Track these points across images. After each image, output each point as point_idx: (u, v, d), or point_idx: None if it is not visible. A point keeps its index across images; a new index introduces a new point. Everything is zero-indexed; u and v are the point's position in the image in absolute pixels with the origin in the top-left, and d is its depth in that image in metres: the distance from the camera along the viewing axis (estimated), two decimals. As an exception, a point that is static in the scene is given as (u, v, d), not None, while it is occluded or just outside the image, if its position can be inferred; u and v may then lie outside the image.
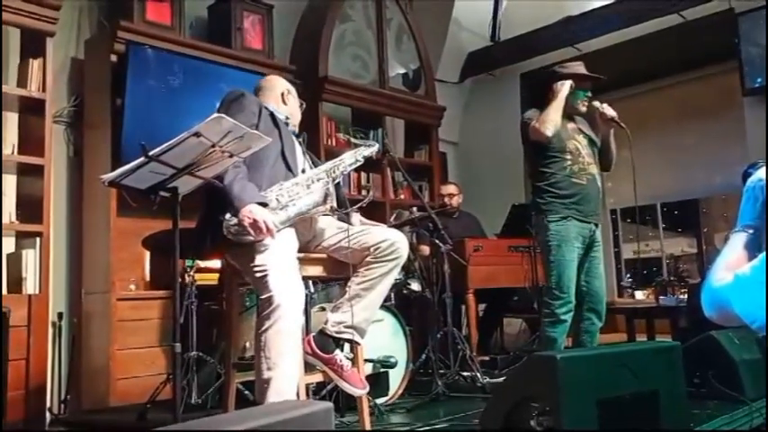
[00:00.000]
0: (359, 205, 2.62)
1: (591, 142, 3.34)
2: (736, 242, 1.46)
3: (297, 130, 2.73)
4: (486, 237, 5.02)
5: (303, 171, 2.53)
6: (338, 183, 2.54)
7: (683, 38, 5.34)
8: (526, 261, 4.40)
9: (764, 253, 1.34)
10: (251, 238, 2.21)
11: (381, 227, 2.68)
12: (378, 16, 5.68)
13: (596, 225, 3.27)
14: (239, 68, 4.46)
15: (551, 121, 3.14)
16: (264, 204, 2.25)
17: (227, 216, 2.23)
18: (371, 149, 2.60)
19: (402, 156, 5.88)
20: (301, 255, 2.42)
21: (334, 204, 2.39)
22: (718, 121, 5.65)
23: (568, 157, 3.20)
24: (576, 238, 3.15)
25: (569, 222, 3.15)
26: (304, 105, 2.81)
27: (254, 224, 2.18)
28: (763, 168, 1.49)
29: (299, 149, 2.61)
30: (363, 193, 5.42)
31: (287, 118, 2.66)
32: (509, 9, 6.27)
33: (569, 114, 3.31)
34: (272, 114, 2.55)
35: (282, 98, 2.69)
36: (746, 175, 1.54)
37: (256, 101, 2.55)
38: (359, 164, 2.59)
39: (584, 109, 3.33)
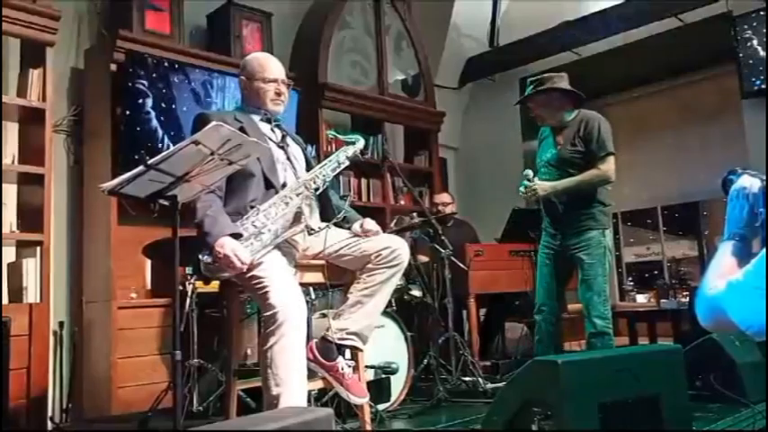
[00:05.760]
0: (334, 220, 2.46)
1: (570, 153, 3.28)
2: (726, 250, 1.45)
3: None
4: (480, 244, 4.99)
5: (284, 185, 2.42)
6: (326, 189, 2.46)
7: (682, 41, 5.35)
8: (527, 265, 4.40)
9: (759, 258, 1.32)
10: (227, 274, 2.20)
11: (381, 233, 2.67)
12: (376, 23, 5.70)
13: (569, 236, 3.26)
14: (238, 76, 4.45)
15: None
16: (238, 235, 2.20)
17: (202, 255, 2.20)
18: (354, 148, 2.50)
19: (402, 161, 5.89)
20: (301, 261, 2.42)
21: (309, 223, 2.32)
22: (718, 123, 5.65)
23: (542, 169, 3.40)
24: (546, 247, 3.36)
25: (543, 233, 3.41)
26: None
27: (226, 259, 2.15)
28: (745, 176, 1.47)
29: (281, 157, 2.50)
30: (364, 199, 5.43)
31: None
32: (508, 14, 6.29)
33: (552, 128, 3.39)
34: (242, 128, 2.40)
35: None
36: (727, 182, 1.51)
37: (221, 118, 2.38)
38: (344, 166, 2.48)
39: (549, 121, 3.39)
